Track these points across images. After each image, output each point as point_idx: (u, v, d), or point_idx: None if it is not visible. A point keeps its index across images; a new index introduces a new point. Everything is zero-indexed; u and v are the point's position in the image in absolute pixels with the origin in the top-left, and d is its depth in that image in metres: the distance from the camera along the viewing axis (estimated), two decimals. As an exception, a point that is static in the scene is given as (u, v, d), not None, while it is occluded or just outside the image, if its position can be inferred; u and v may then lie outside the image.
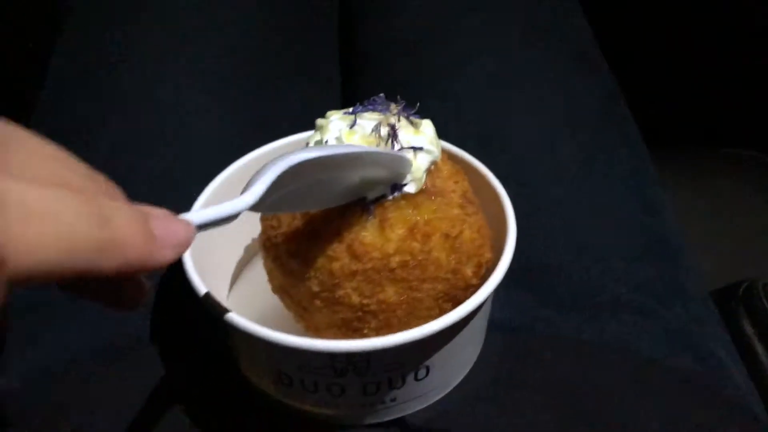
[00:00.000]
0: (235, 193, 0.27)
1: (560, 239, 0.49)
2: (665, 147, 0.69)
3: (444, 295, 0.36)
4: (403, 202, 0.35)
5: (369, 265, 0.34)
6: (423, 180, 0.35)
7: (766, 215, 0.73)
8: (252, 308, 0.41)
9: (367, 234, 0.34)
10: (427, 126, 0.37)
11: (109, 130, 0.54)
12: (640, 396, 0.40)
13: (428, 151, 0.36)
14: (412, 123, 0.36)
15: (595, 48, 0.66)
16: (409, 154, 0.35)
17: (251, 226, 0.40)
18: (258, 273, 0.43)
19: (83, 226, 0.18)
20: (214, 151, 0.53)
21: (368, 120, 0.36)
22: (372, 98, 0.37)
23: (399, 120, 0.36)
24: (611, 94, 0.62)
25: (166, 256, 0.21)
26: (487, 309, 0.40)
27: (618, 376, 0.42)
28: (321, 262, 0.34)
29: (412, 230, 0.34)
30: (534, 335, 0.45)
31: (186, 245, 0.22)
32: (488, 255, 0.38)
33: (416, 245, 0.34)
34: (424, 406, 0.40)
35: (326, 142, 0.35)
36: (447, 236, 0.35)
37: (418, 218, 0.35)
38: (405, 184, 0.35)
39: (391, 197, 0.35)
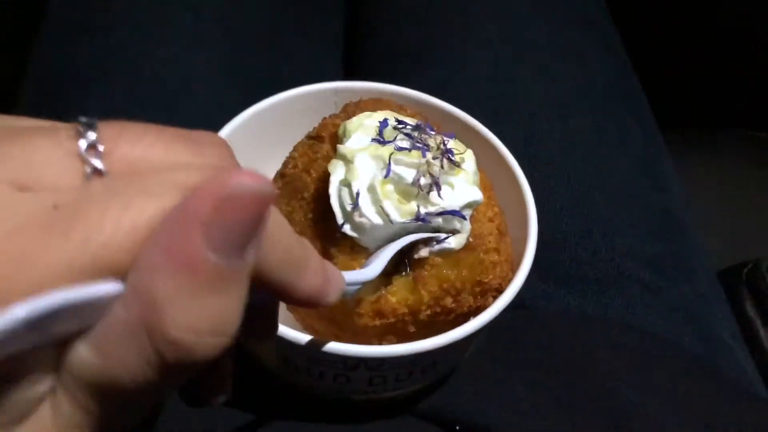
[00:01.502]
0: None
1: (567, 212, 0.48)
2: (674, 125, 0.68)
3: (460, 319, 0.34)
4: (442, 260, 0.32)
5: (393, 320, 0.32)
6: (467, 238, 0.33)
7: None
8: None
9: (396, 291, 0.32)
10: (468, 162, 0.33)
11: (107, 84, 0.52)
12: (643, 374, 0.40)
13: (472, 205, 0.32)
14: (452, 162, 0.32)
15: (607, 19, 0.64)
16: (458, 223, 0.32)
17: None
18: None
19: (296, 246, 0.19)
20: (212, 109, 0.51)
21: (405, 167, 0.30)
22: (404, 124, 0.32)
23: (442, 167, 0.31)
24: (622, 66, 0.60)
25: (332, 297, 0.22)
26: None
27: (621, 354, 0.41)
28: (344, 314, 0.32)
29: (446, 289, 0.32)
30: (535, 311, 0.44)
31: (341, 293, 0.23)
32: (510, 276, 0.35)
33: (449, 300, 0.32)
34: (421, 386, 0.39)
35: (357, 193, 0.30)
36: (479, 282, 0.33)
37: (455, 277, 0.32)
38: (447, 240, 0.32)
39: (430, 252, 0.32)
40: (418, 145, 0.31)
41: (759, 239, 0.68)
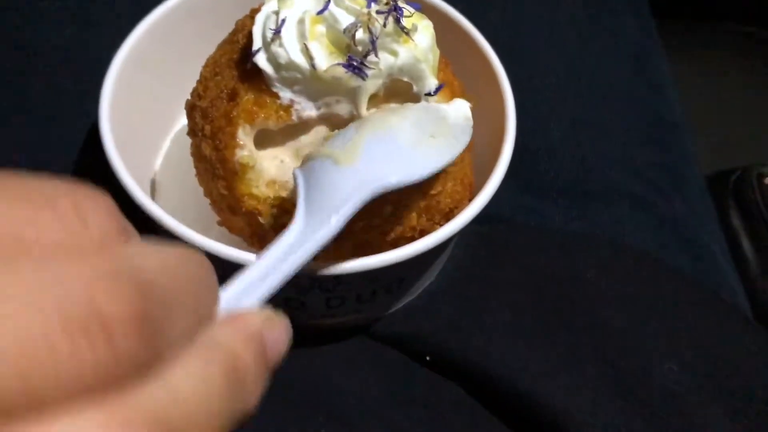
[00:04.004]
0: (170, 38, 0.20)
1: (553, 115, 0.43)
2: (665, 15, 0.62)
3: (397, 244, 0.29)
4: None
5: None
6: None
7: (764, 97, 0.68)
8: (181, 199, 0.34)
9: None
10: (422, 35, 0.28)
11: None
12: (633, 295, 0.37)
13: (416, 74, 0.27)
14: (402, 28, 0.27)
15: None
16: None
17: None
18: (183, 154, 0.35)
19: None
20: None
21: (345, 12, 0.26)
22: None
23: (385, 25, 0.26)
24: None
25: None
26: None
27: (609, 273, 0.37)
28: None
29: (385, 194, 0.27)
30: (514, 225, 0.40)
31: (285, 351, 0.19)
32: (465, 205, 0.31)
33: (388, 209, 0.27)
34: (391, 311, 0.35)
35: (283, 19, 0.26)
36: (424, 195, 0.28)
37: None
38: None
39: None
40: None
41: (747, 144, 0.64)
